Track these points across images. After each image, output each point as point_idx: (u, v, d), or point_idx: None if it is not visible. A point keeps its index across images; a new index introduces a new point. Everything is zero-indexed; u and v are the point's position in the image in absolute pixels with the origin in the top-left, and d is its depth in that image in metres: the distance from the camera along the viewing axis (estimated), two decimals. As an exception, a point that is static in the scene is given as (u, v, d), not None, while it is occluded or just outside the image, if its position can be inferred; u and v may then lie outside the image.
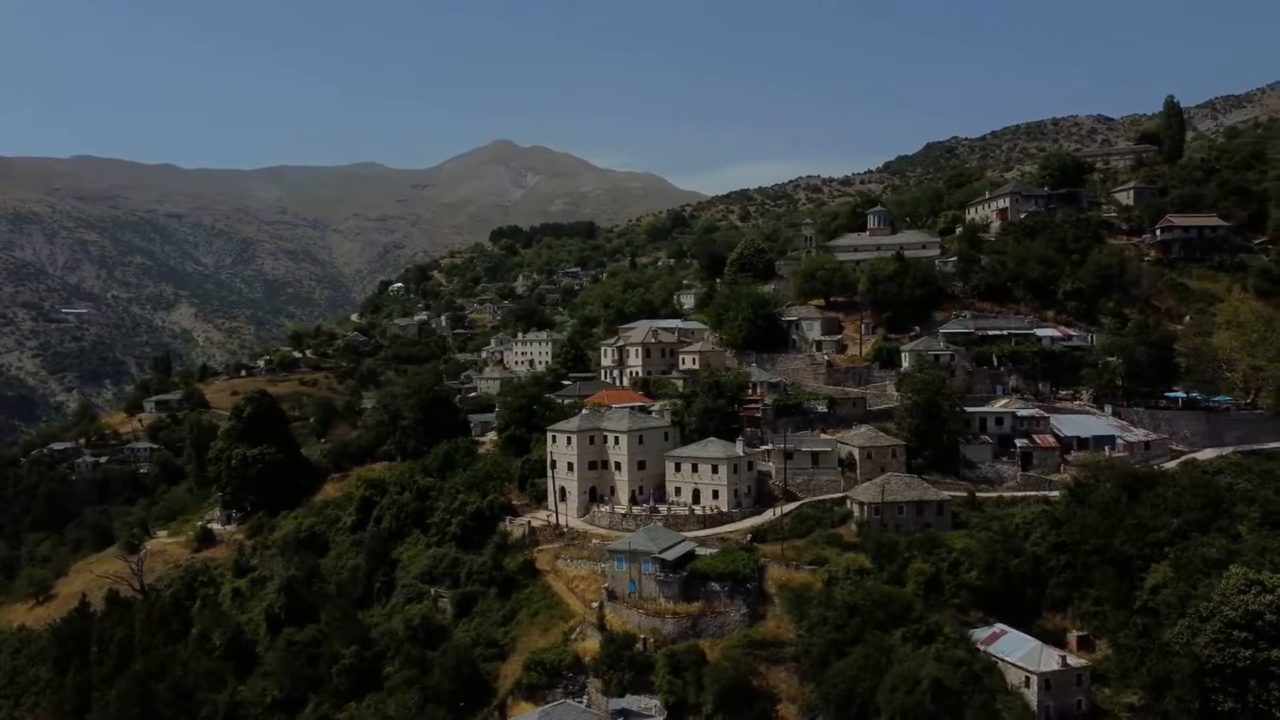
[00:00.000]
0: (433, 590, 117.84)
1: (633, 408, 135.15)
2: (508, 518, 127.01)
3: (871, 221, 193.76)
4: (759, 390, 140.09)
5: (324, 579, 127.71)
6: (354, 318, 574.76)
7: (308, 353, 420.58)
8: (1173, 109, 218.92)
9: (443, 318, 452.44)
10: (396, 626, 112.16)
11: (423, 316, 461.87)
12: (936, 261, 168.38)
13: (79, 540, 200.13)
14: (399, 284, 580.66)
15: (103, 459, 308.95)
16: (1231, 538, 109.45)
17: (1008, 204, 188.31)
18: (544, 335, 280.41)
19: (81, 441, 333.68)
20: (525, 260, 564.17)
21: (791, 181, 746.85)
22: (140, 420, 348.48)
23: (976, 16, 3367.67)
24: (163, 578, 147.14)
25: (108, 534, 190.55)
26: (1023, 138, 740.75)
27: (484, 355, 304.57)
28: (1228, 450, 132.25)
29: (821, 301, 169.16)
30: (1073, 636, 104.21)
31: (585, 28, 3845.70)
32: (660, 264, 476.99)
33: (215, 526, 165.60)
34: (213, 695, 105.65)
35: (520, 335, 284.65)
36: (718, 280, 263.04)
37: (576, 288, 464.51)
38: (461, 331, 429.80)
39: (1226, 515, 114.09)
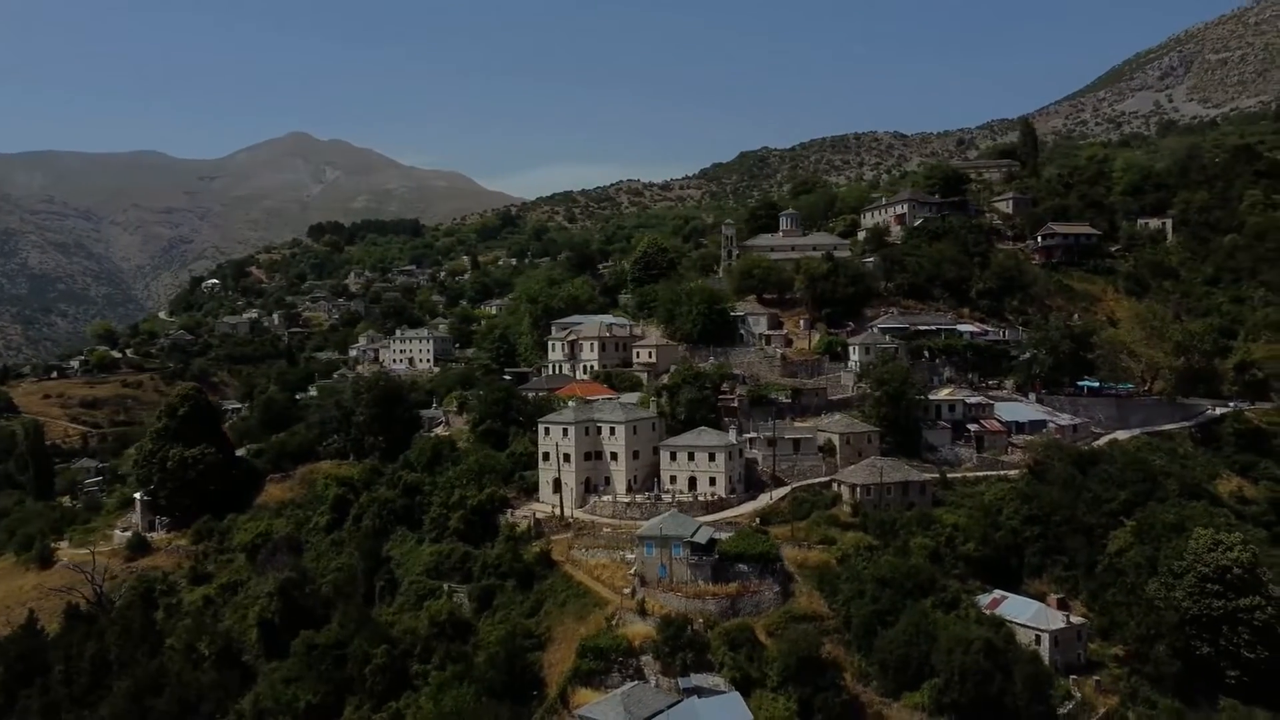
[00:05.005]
0: (446, 586, 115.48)
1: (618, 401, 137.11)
2: (508, 510, 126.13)
3: (784, 223, 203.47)
4: (731, 382, 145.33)
5: (312, 581, 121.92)
6: (162, 315, 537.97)
7: (128, 352, 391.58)
8: (1028, 130, 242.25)
9: (275, 316, 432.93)
10: (417, 624, 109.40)
11: (253, 314, 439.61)
12: (860, 261, 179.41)
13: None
14: (214, 280, 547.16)
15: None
16: (1171, 506, 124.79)
17: (905, 210, 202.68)
18: (423, 333, 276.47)
19: None
20: (353, 257, 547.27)
21: (613, 185, 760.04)
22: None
23: (788, 22, 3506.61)
24: (112, 590, 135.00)
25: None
26: (829, 150, 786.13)
27: (353, 353, 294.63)
28: (1135, 432, 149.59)
29: (753, 297, 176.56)
30: (1053, 598, 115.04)
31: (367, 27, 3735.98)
32: (501, 263, 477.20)
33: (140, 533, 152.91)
34: (235, 704, 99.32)
35: (399, 333, 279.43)
36: (587, 275, 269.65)
37: (415, 286, 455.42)
38: (298, 330, 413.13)
39: (1161, 488, 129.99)
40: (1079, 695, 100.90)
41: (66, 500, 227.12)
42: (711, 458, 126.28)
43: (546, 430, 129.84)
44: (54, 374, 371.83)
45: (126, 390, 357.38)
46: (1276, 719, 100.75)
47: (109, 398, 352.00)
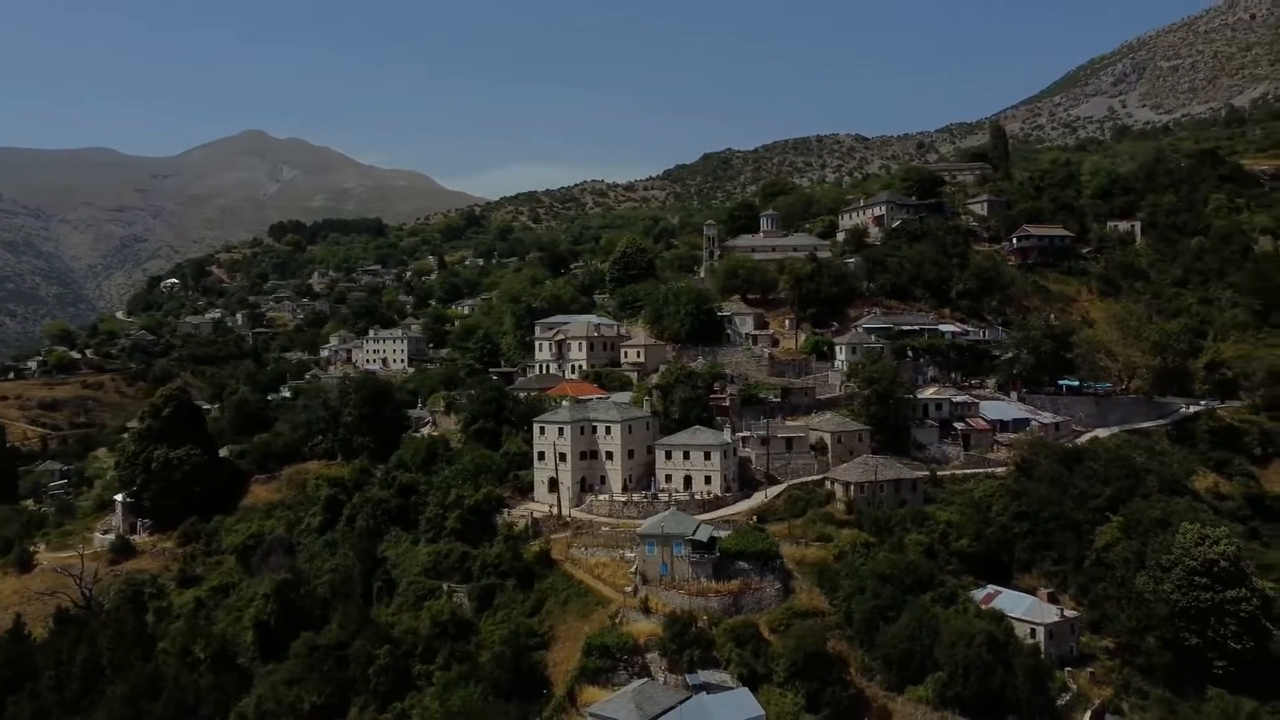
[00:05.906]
0: (445, 585, 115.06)
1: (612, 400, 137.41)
2: (505, 510, 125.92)
3: (765, 224, 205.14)
4: (722, 381, 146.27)
5: (307, 582, 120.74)
6: (120, 315, 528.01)
7: (88, 353, 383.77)
8: (998, 133, 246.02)
9: (238, 316, 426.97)
10: (418, 624, 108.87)
11: (216, 314, 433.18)
12: (842, 262, 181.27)
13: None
14: (173, 280, 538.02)
15: None
16: (1156, 502, 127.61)
17: (883, 211, 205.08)
18: (397, 333, 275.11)
19: None
20: (316, 257, 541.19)
21: (578, 185, 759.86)
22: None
23: (751, 24, 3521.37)
24: (99, 593, 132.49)
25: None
26: (791, 152, 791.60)
27: (325, 354, 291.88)
28: (1115, 430, 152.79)
29: (737, 297, 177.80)
30: (1043, 593, 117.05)
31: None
32: (469, 263, 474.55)
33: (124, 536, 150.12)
34: (235, 706, 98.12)
35: (373, 333, 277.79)
36: (559, 275, 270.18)
37: (381, 286, 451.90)
38: (262, 330, 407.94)
39: (1144, 484, 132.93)
40: (1075, 687, 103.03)
41: (31, 504, 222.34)
42: (707, 456, 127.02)
43: (542, 430, 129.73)
44: (10, 375, 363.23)
45: (87, 391, 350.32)
46: (1262, 708, 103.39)
47: (69, 399, 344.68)
